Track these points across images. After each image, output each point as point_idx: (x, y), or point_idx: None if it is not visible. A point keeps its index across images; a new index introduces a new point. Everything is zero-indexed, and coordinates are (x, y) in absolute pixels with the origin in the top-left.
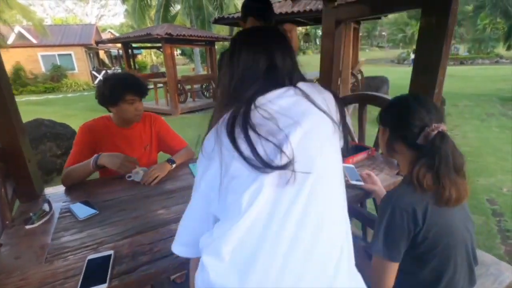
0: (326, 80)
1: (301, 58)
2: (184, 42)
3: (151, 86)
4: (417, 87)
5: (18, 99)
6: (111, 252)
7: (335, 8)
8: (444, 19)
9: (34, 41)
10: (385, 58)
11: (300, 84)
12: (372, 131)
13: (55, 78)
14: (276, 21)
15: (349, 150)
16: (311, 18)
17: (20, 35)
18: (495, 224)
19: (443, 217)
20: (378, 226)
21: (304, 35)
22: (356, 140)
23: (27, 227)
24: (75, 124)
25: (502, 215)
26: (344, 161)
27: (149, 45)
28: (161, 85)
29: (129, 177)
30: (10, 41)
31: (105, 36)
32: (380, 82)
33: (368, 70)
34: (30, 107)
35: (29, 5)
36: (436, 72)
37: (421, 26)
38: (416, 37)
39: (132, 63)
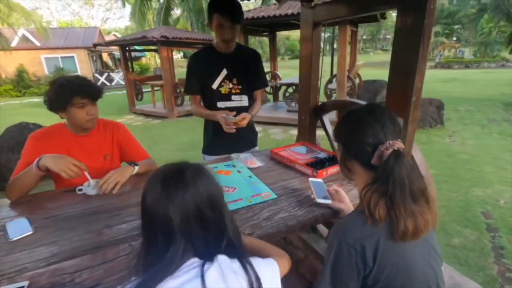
0: (305, 85)
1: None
2: (180, 45)
3: (149, 89)
4: (394, 93)
5: (20, 101)
6: (25, 283)
7: (312, 9)
8: (420, 19)
9: (38, 43)
10: (389, 62)
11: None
12: None
13: None
14: (272, 24)
15: (324, 162)
16: None
17: (24, 38)
18: (489, 240)
19: (398, 254)
20: (325, 262)
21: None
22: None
23: None
24: None
25: (497, 230)
26: (317, 174)
27: (147, 47)
28: (159, 88)
29: (80, 190)
30: (14, 43)
31: (109, 39)
32: (379, 86)
33: (371, 74)
34: (30, 109)
35: (36, 8)
36: (413, 77)
37: (397, 27)
38: None
39: (130, 66)
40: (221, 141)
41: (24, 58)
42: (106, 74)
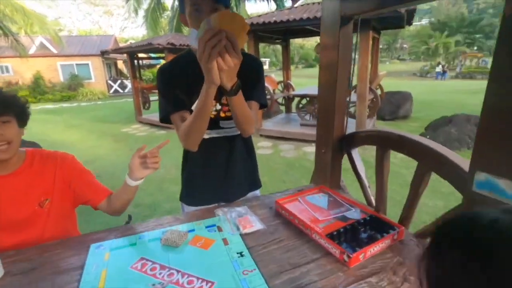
0: (327, 105)
1: (316, 71)
2: None
3: (156, 98)
4: (493, 103)
5: (34, 107)
6: None
7: None
8: None
9: (55, 51)
10: (406, 71)
11: None
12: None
13: (72, 87)
14: (287, 30)
15: (357, 229)
16: None
17: (42, 45)
18: None
19: None
20: None
21: (317, 45)
22: (373, 201)
23: None
24: (77, 135)
25: None
26: (350, 260)
27: (153, 55)
28: None
29: None
30: (32, 51)
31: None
32: (402, 98)
33: (389, 84)
34: (42, 116)
35: (58, 17)
36: None
37: (502, 25)
38: (440, 50)
39: (138, 73)
40: (204, 182)
41: (41, 65)
42: (119, 81)
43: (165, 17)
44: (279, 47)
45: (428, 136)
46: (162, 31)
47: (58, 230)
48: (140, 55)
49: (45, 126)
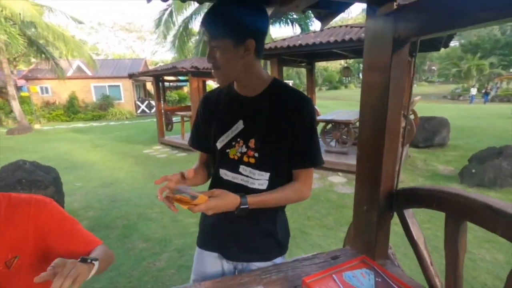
0: (372, 149)
1: (342, 92)
2: (212, 76)
3: (178, 120)
4: None
5: (67, 125)
6: None
7: (393, 16)
8: None
9: (89, 73)
10: (436, 94)
11: None
12: None
13: (103, 107)
14: (311, 54)
15: None
16: (351, 50)
17: (78, 68)
18: None
19: None
20: None
21: (343, 68)
22: (439, 285)
23: None
24: (100, 155)
25: None
26: None
27: (181, 78)
28: (188, 119)
29: None
30: (69, 73)
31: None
32: (438, 124)
33: (419, 107)
34: (71, 134)
35: (96, 42)
36: None
37: None
38: (473, 72)
39: (162, 96)
40: (219, 229)
41: (77, 86)
42: (146, 102)
43: (193, 41)
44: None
45: (473, 170)
46: (189, 54)
47: None
48: (167, 77)
49: (72, 145)
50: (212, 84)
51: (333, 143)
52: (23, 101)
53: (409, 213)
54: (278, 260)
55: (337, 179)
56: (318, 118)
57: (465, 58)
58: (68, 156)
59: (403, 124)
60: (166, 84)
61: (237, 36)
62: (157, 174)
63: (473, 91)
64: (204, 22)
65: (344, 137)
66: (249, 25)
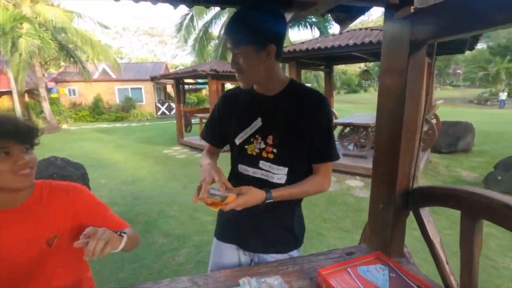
0: (389, 149)
1: (361, 96)
2: (231, 79)
3: (197, 121)
4: None
5: (92, 125)
6: None
7: (410, 19)
8: None
9: (114, 76)
10: (461, 98)
11: None
12: None
13: (126, 109)
14: (330, 57)
15: None
16: (371, 52)
17: (104, 71)
18: None
19: None
20: None
21: (363, 72)
22: (454, 284)
23: None
24: (123, 155)
25: None
26: None
27: (200, 81)
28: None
29: None
30: (95, 76)
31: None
32: (462, 129)
33: (443, 112)
34: (96, 134)
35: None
36: None
37: None
38: (502, 76)
39: (182, 98)
40: (240, 222)
41: (102, 88)
42: (167, 104)
43: (212, 45)
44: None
45: (499, 177)
46: (209, 58)
47: (68, 275)
48: (187, 80)
49: (97, 145)
50: (230, 87)
51: (351, 147)
52: (53, 102)
53: (425, 211)
54: (294, 253)
55: (355, 182)
56: (336, 121)
57: (494, 61)
58: (93, 155)
59: (424, 128)
60: (186, 87)
61: (259, 43)
62: (177, 173)
63: (503, 95)
64: (227, 31)
65: (363, 140)
66: (270, 31)
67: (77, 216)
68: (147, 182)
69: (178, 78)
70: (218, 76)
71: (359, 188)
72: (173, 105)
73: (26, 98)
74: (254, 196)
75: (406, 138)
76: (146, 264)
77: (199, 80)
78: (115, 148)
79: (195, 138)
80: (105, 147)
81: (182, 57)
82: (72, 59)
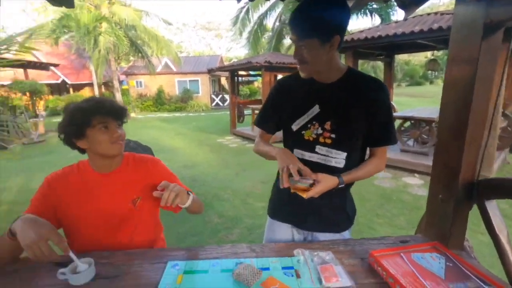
0: (454, 131)
1: (426, 89)
2: (284, 70)
3: (249, 112)
4: None
5: (154, 115)
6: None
7: (485, 0)
8: None
9: (174, 69)
10: None
11: None
12: None
13: (184, 100)
14: (391, 46)
15: None
16: (440, 39)
17: (166, 65)
18: None
19: None
20: None
21: (429, 61)
22: None
23: None
24: (182, 142)
25: None
26: None
27: (252, 73)
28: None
29: (63, 273)
30: (158, 69)
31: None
32: None
33: None
34: (158, 123)
35: (181, 41)
36: None
37: None
38: None
39: (236, 89)
40: (291, 202)
41: (164, 80)
42: (220, 95)
43: (266, 37)
44: (379, 63)
45: None
46: (262, 50)
47: (146, 233)
48: (240, 72)
49: (160, 133)
50: None
51: (410, 142)
52: (123, 93)
53: (491, 204)
54: (346, 233)
55: (413, 180)
56: (395, 114)
57: None
58: (157, 141)
59: (503, 124)
60: (239, 79)
61: (325, 35)
62: (229, 161)
63: None
64: (292, 24)
65: (425, 136)
66: (336, 23)
67: (154, 183)
68: (202, 167)
69: (233, 70)
70: (272, 68)
71: (417, 186)
72: (226, 96)
73: (103, 89)
74: (329, 182)
75: (473, 127)
76: (204, 239)
77: (252, 72)
78: (175, 136)
79: (247, 128)
80: (167, 134)
81: (236, 50)
82: (140, 54)
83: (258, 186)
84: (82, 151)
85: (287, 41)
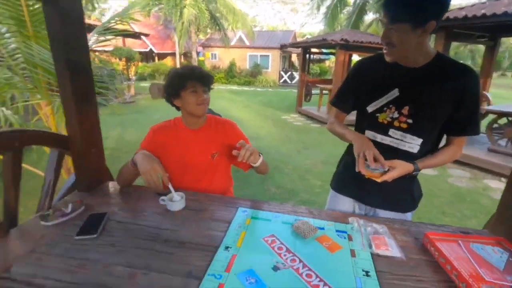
0: None
1: None
2: (361, 49)
3: (317, 92)
4: None
5: (225, 87)
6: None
7: None
8: None
9: (247, 43)
10: None
11: None
12: None
13: (253, 74)
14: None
15: None
16: None
17: (240, 39)
18: None
19: None
20: None
21: None
22: None
23: (42, 223)
24: (248, 115)
25: None
26: None
27: (324, 51)
28: (327, 91)
29: (162, 200)
30: (232, 42)
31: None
32: None
33: None
34: (228, 95)
35: (256, 15)
36: None
37: None
38: None
39: (307, 67)
40: (358, 177)
41: (236, 54)
42: (289, 72)
43: (345, 12)
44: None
45: None
46: (339, 26)
47: (220, 184)
48: (313, 50)
49: (229, 104)
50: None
51: (502, 142)
52: (199, 64)
53: None
54: (408, 215)
55: (497, 184)
56: (488, 108)
57: None
58: (226, 111)
59: None
60: (311, 56)
61: (419, 21)
62: (292, 138)
63: None
64: (386, 6)
65: None
66: (433, 9)
67: (230, 142)
68: (266, 140)
69: (306, 47)
70: (347, 47)
71: (500, 191)
72: (295, 74)
73: (182, 59)
74: (404, 168)
75: None
76: None
77: (324, 50)
78: (243, 108)
79: (313, 108)
80: (235, 106)
81: (310, 26)
82: (217, 27)
83: (318, 165)
84: (178, 108)
85: (369, 17)
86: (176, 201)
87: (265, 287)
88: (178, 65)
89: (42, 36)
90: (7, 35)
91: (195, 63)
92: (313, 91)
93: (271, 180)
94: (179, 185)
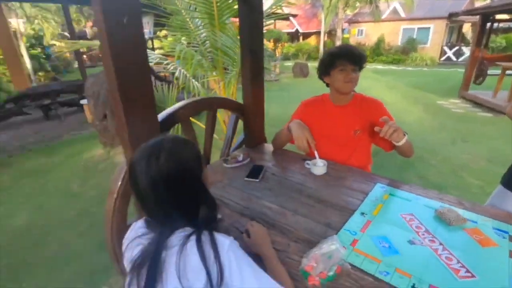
0: None
1: None
2: None
3: (496, 71)
4: None
5: (369, 66)
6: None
7: None
8: None
9: (403, 15)
10: None
11: None
12: None
13: (406, 51)
14: None
15: None
16: None
17: (394, 10)
18: None
19: None
20: None
21: None
22: None
23: (224, 165)
24: (392, 97)
25: None
26: None
27: None
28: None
29: (307, 164)
30: (384, 16)
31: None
32: None
33: None
34: (371, 74)
35: None
36: None
37: None
38: None
39: (485, 40)
40: None
41: (387, 28)
42: (456, 47)
43: None
44: None
45: None
46: None
47: (359, 159)
48: (498, 16)
49: (371, 84)
50: None
51: None
52: (344, 42)
53: None
54: None
55: None
56: None
57: None
58: (365, 91)
59: None
60: (494, 25)
61: None
62: (447, 126)
63: None
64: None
65: None
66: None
67: (373, 120)
68: (411, 126)
69: (489, 14)
70: None
71: None
72: (464, 49)
73: (326, 38)
74: None
75: None
76: None
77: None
78: (386, 89)
79: (485, 93)
80: (377, 87)
81: None
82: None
83: (479, 162)
84: (327, 85)
85: None
86: (320, 166)
87: (398, 253)
88: (321, 44)
89: (223, 25)
90: (200, 27)
91: (339, 42)
92: (490, 71)
93: (412, 170)
94: (320, 154)
